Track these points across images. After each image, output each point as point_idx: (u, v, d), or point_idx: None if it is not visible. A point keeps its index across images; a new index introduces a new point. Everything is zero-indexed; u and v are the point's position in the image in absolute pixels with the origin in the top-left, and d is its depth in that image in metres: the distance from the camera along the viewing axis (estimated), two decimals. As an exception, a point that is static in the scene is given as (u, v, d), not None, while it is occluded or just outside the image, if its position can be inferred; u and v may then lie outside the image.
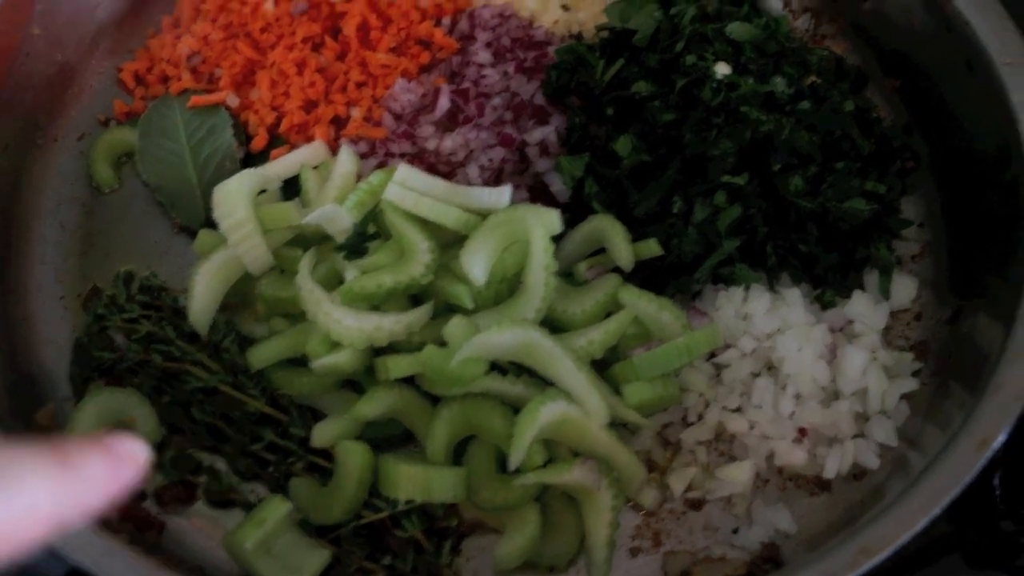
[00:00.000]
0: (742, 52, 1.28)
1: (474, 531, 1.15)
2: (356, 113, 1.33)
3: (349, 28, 1.35)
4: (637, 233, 1.23)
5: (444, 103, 1.32)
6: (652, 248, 1.21)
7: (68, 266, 1.31)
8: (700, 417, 1.19)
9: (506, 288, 1.17)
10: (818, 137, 1.26)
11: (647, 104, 1.26)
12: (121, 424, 1.15)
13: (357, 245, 1.17)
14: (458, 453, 1.16)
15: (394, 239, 1.18)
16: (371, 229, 1.20)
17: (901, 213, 1.33)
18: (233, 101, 1.35)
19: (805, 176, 1.23)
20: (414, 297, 1.19)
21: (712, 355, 1.21)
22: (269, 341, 1.18)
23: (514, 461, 1.05)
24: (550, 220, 1.15)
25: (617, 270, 1.22)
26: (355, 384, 1.19)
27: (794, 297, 1.22)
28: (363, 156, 1.32)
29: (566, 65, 1.33)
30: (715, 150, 1.22)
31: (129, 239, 1.33)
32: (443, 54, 1.38)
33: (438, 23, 1.40)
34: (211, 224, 1.23)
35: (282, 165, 1.29)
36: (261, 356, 1.17)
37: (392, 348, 1.15)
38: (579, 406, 1.10)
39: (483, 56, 1.35)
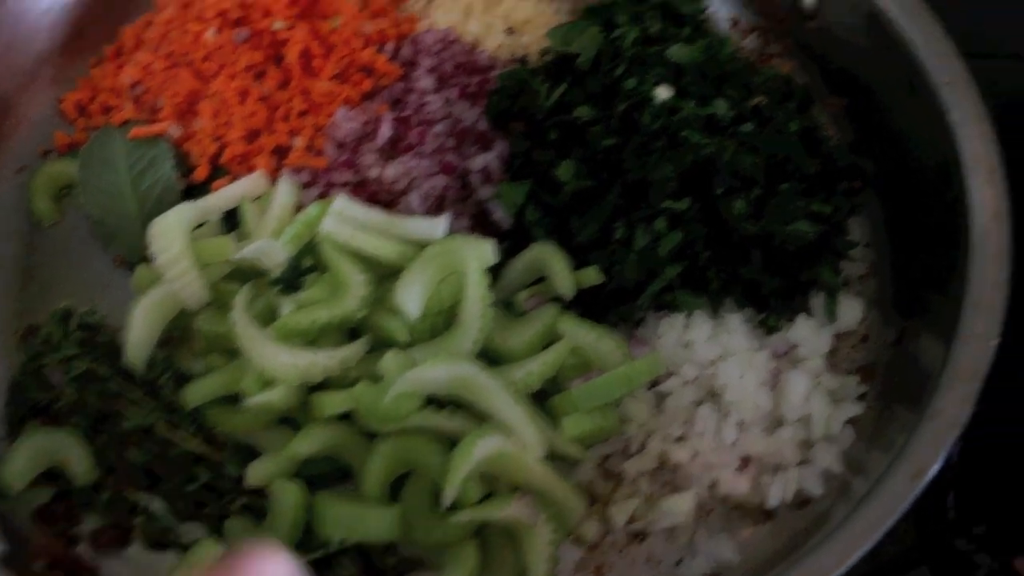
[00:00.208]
0: (683, 75, 1.27)
1: (414, 569, 1.14)
2: (298, 142, 1.32)
3: (291, 56, 1.34)
4: (579, 260, 1.22)
5: (386, 131, 1.30)
6: (592, 276, 1.20)
7: (5, 302, 1.29)
8: (642, 447, 1.18)
9: (443, 321, 1.16)
10: (762, 159, 1.25)
11: (589, 129, 1.26)
12: (55, 465, 1.14)
13: (292, 279, 1.16)
14: (400, 489, 1.15)
15: (330, 273, 1.17)
16: (308, 262, 1.19)
17: (848, 234, 1.33)
18: (175, 131, 1.33)
19: (749, 199, 1.22)
20: (353, 331, 1.18)
21: (654, 383, 1.20)
22: (204, 378, 1.16)
23: (447, 498, 1.04)
24: (484, 251, 1.14)
25: (559, 299, 1.21)
26: (293, 420, 1.18)
27: (736, 323, 1.21)
28: (305, 186, 1.31)
29: (508, 90, 1.32)
30: (656, 175, 1.21)
31: (69, 274, 1.31)
32: (386, 80, 1.37)
33: (381, 49, 1.39)
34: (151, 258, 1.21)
35: (222, 197, 1.27)
36: (196, 394, 1.16)
37: (329, 384, 1.14)
38: (516, 440, 1.08)
39: (426, 82, 1.34)
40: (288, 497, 1.09)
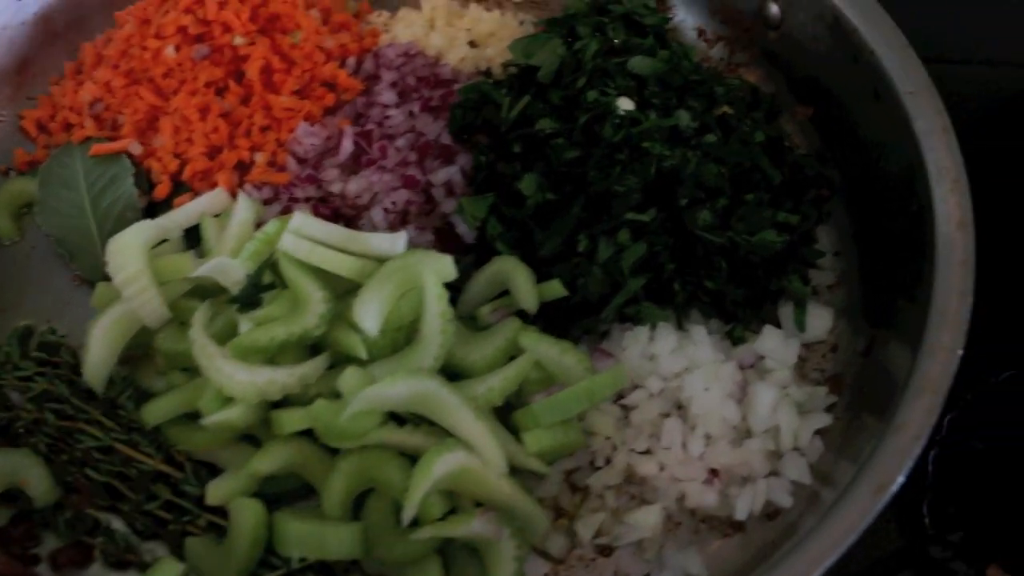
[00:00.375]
0: (646, 86, 1.27)
1: (377, 586, 1.13)
2: (260, 158, 1.31)
3: (252, 71, 1.33)
4: (543, 274, 1.21)
5: (347, 145, 1.30)
6: (556, 289, 1.19)
7: (-35, 323, 1.28)
8: (608, 461, 1.17)
9: (403, 336, 1.15)
10: (727, 169, 1.24)
11: (551, 141, 1.25)
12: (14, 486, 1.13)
13: (251, 296, 1.15)
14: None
15: (289, 289, 1.15)
16: (268, 279, 1.18)
17: (817, 243, 1.32)
18: (136, 149, 1.32)
19: (714, 209, 1.22)
20: (315, 348, 1.17)
21: (620, 396, 1.19)
22: (164, 397, 1.15)
23: (407, 515, 1.03)
24: (443, 266, 1.13)
25: (523, 313, 1.20)
26: (255, 438, 1.17)
27: (701, 335, 1.20)
28: (266, 202, 1.30)
29: (471, 103, 1.32)
30: (619, 187, 1.20)
31: (29, 292, 1.30)
32: (348, 95, 1.36)
33: (343, 64, 1.38)
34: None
35: (182, 214, 1.26)
36: (156, 412, 1.14)
37: (289, 401, 1.13)
38: (477, 456, 1.07)
39: (387, 96, 1.33)
40: (247, 516, 1.08)
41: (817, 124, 1.39)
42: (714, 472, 1.15)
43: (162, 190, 1.31)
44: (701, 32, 1.49)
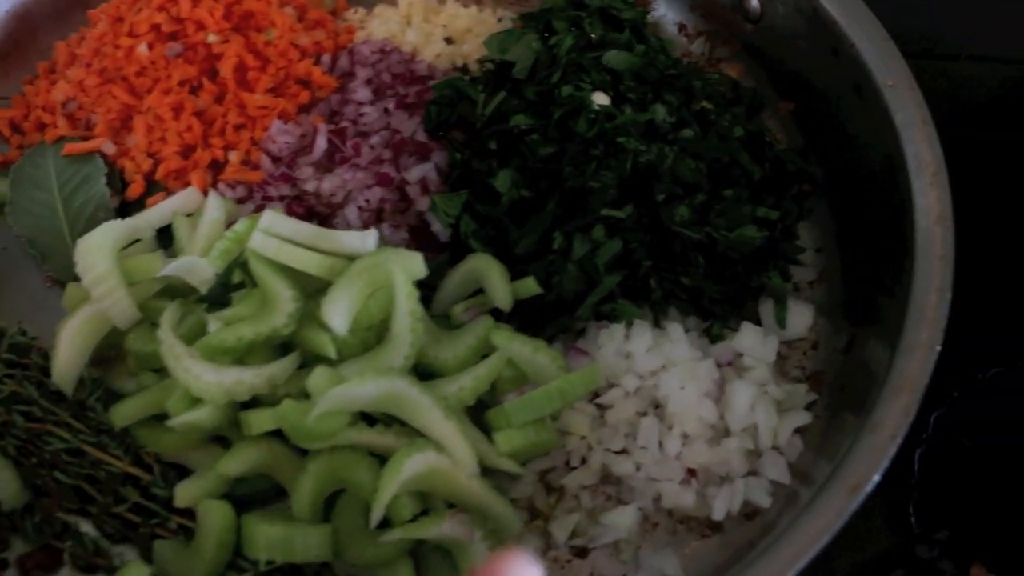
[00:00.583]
0: (621, 81, 1.25)
1: (348, 588, 1.11)
2: (234, 157, 1.30)
3: (226, 69, 1.32)
4: (519, 271, 1.19)
5: (321, 143, 1.28)
6: (530, 287, 1.17)
7: (-65, 324, 1.27)
8: (583, 461, 1.15)
9: (373, 336, 1.13)
10: (705, 165, 1.23)
11: (526, 138, 1.23)
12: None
13: (219, 296, 1.13)
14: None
15: (259, 288, 1.14)
16: (238, 278, 1.16)
17: (799, 239, 1.30)
18: (109, 148, 1.31)
19: (692, 205, 1.20)
20: (286, 347, 1.15)
21: (595, 395, 1.17)
22: (132, 398, 1.14)
23: (375, 516, 1.01)
24: (413, 264, 1.11)
25: (499, 311, 1.18)
26: (225, 439, 1.15)
27: (677, 333, 1.18)
28: (240, 201, 1.29)
29: (445, 100, 1.30)
30: (595, 183, 1.18)
31: (1, 294, 1.29)
32: (323, 93, 1.35)
33: (318, 61, 1.37)
34: (82, 278, 1.19)
35: (154, 214, 1.25)
36: (124, 413, 1.13)
37: (260, 401, 1.12)
38: (448, 456, 1.06)
39: (362, 93, 1.32)
40: (214, 518, 1.06)
41: (799, 119, 1.37)
42: (691, 472, 1.14)
43: (135, 190, 1.30)
44: (682, 27, 1.47)
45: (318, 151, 1.28)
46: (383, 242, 1.24)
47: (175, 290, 1.20)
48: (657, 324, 1.21)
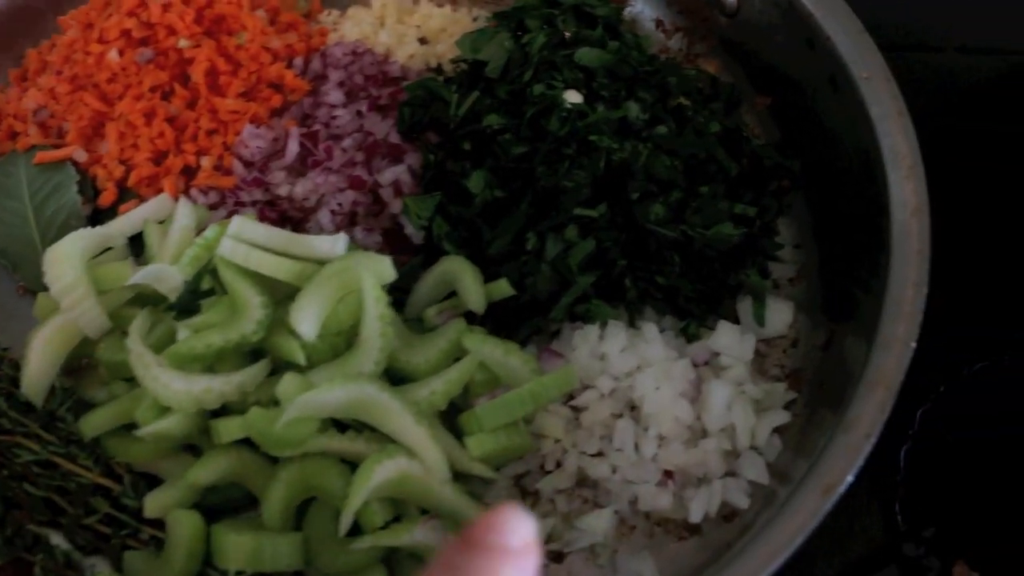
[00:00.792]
0: (594, 78, 1.24)
1: (321, 597, 1.10)
2: (206, 162, 1.29)
3: (197, 74, 1.30)
4: (493, 273, 1.18)
5: (293, 147, 1.27)
6: (503, 289, 1.16)
7: (-95, 334, 1.26)
8: (558, 464, 1.14)
9: (343, 341, 1.12)
10: (680, 162, 1.21)
11: (498, 137, 1.22)
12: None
13: (188, 303, 1.12)
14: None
15: (228, 295, 1.13)
16: (208, 285, 1.15)
17: (778, 235, 1.29)
18: (81, 156, 1.30)
19: (667, 203, 1.19)
20: (257, 354, 1.14)
21: (570, 398, 1.16)
22: (102, 408, 1.13)
23: (344, 524, 1.00)
24: (382, 268, 1.10)
25: (472, 313, 1.17)
26: (197, 447, 1.14)
27: (652, 333, 1.17)
28: (213, 207, 1.28)
29: (419, 101, 1.29)
30: (568, 182, 1.17)
31: (-28, 304, 1.28)
32: (295, 96, 1.34)
33: (290, 64, 1.36)
34: (54, 287, 1.18)
35: (125, 222, 1.24)
36: (94, 424, 1.12)
37: (231, 409, 1.10)
38: (420, 462, 1.04)
39: (334, 96, 1.31)
40: (183, 528, 1.05)
41: (776, 114, 1.36)
42: (668, 473, 1.12)
43: (107, 197, 1.29)
44: (659, 23, 1.45)
45: (290, 155, 1.27)
46: (357, 246, 1.23)
47: (147, 298, 1.19)
48: (632, 324, 1.19)
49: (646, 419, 1.13)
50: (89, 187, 1.30)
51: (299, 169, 1.28)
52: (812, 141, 1.29)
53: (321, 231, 1.24)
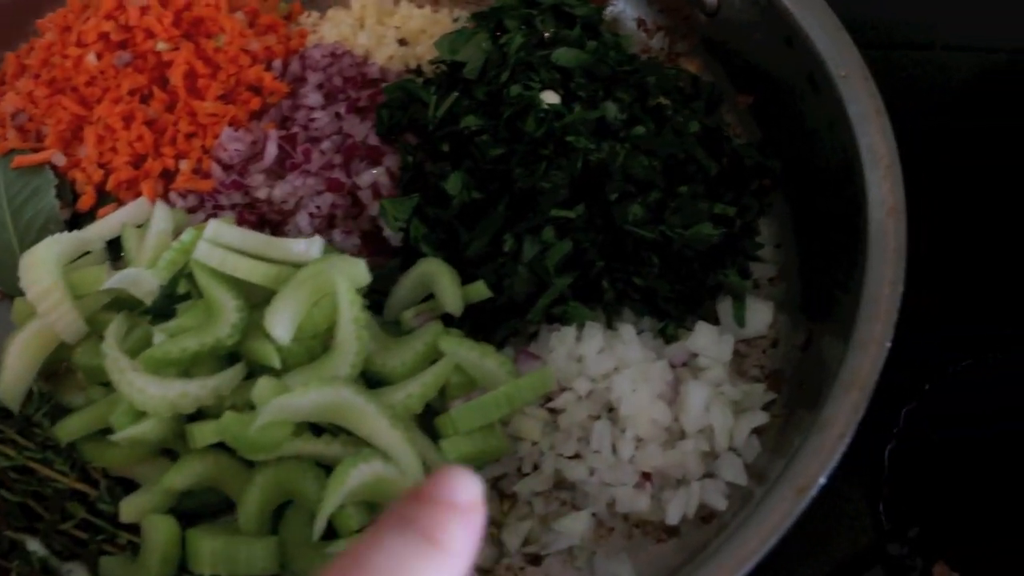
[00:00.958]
0: (572, 78, 1.23)
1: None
2: (185, 166, 1.29)
3: (176, 77, 1.30)
4: (471, 275, 1.18)
5: (272, 150, 1.27)
6: (480, 291, 1.16)
7: None
8: (536, 467, 1.14)
9: (319, 345, 1.12)
10: (659, 162, 1.21)
11: (476, 139, 1.22)
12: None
13: (164, 307, 1.12)
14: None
15: (203, 299, 1.13)
16: (184, 289, 1.15)
17: (760, 234, 1.28)
18: (59, 160, 1.30)
19: (646, 204, 1.18)
20: (234, 358, 1.14)
21: (548, 400, 1.15)
22: (78, 413, 1.13)
23: (318, 528, 1.00)
24: (356, 271, 1.10)
25: (450, 316, 1.17)
26: (174, 452, 1.14)
27: (629, 334, 1.16)
28: (191, 210, 1.27)
29: (397, 102, 1.29)
30: (545, 183, 1.17)
31: (-50, 309, 1.28)
32: (274, 99, 1.33)
33: (270, 67, 1.36)
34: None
35: (103, 226, 1.24)
36: (70, 429, 1.12)
37: (207, 414, 1.10)
38: (395, 465, 1.04)
39: (313, 98, 1.30)
40: (158, 533, 1.05)
41: (758, 113, 1.35)
42: (646, 475, 1.12)
43: (86, 201, 1.29)
44: (641, 22, 1.45)
45: (269, 158, 1.27)
46: (335, 248, 1.22)
47: (124, 302, 1.19)
48: (610, 326, 1.19)
49: (623, 421, 1.12)
50: (68, 191, 1.30)
51: (278, 172, 1.28)
52: (793, 140, 1.29)
53: (300, 234, 1.24)
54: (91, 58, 1.30)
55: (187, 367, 1.10)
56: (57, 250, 1.16)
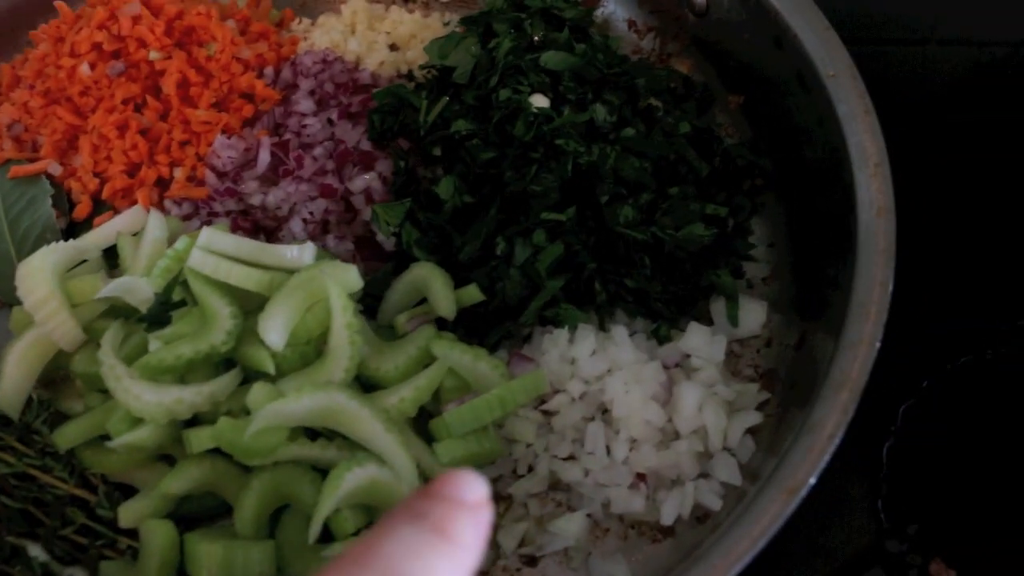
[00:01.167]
0: (561, 82, 1.24)
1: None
2: (179, 173, 1.30)
3: (169, 86, 1.31)
4: (464, 279, 1.19)
5: (264, 157, 1.28)
6: (473, 294, 1.17)
7: None
8: (530, 468, 1.15)
9: (313, 350, 1.12)
10: (649, 163, 1.21)
11: (467, 143, 1.22)
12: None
13: (159, 315, 1.13)
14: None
15: (198, 306, 1.14)
16: (179, 296, 1.16)
17: (753, 234, 1.29)
18: (55, 169, 1.31)
19: (637, 205, 1.19)
20: (229, 365, 1.15)
21: (542, 402, 1.16)
22: (76, 420, 1.14)
23: (313, 531, 1.00)
24: (348, 277, 1.10)
25: (444, 319, 1.17)
26: (172, 457, 1.15)
27: (622, 336, 1.17)
28: (186, 217, 1.28)
29: (388, 108, 1.29)
30: (536, 186, 1.17)
31: (-51, 318, 1.29)
32: (266, 106, 1.34)
33: (261, 74, 1.36)
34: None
35: (98, 235, 1.25)
36: (68, 436, 1.13)
37: (203, 419, 1.11)
38: (390, 468, 1.05)
39: (305, 105, 1.31)
40: (157, 537, 1.06)
41: (749, 113, 1.35)
42: (640, 476, 1.12)
43: (82, 210, 1.30)
44: (631, 24, 1.45)
45: (261, 165, 1.28)
46: (328, 254, 1.23)
47: (121, 310, 1.20)
48: (603, 327, 1.20)
49: (617, 422, 1.13)
50: (64, 200, 1.31)
51: (271, 178, 1.29)
52: (784, 140, 1.29)
53: (294, 239, 1.25)
54: (85, 68, 1.31)
55: (183, 374, 1.11)
56: (54, 259, 1.17)
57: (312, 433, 1.11)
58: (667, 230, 1.18)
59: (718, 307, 1.23)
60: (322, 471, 1.09)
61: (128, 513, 1.09)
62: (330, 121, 1.30)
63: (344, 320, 1.09)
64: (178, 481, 1.09)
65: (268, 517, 1.10)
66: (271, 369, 1.09)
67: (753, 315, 1.23)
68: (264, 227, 1.28)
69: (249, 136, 1.32)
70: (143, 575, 1.06)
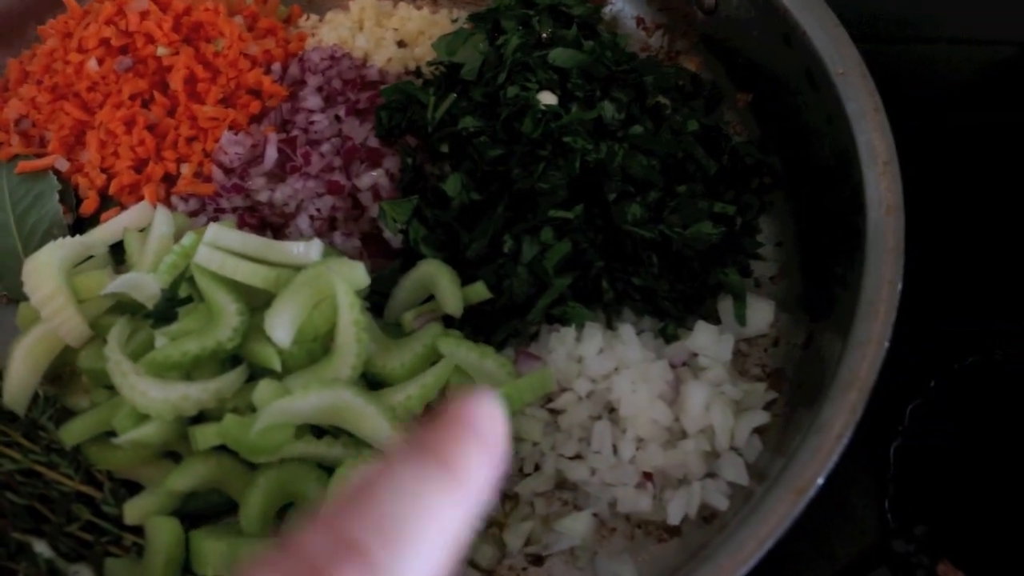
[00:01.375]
0: (569, 79, 1.23)
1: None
2: (186, 169, 1.29)
3: (176, 82, 1.31)
4: (472, 276, 1.18)
5: (272, 153, 1.28)
6: (480, 292, 1.16)
7: None
8: (537, 467, 1.14)
9: (320, 347, 1.12)
10: (657, 161, 1.21)
11: (474, 140, 1.22)
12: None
13: (166, 311, 1.13)
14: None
15: (205, 303, 1.13)
16: (185, 292, 1.16)
17: (761, 232, 1.28)
18: (63, 165, 1.31)
19: (645, 203, 1.18)
20: (236, 361, 1.15)
21: (548, 400, 1.16)
22: (82, 416, 1.14)
23: (318, 531, 1.00)
24: (355, 274, 1.10)
25: (451, 317, 1.17)
26: (178, 454, 1.15)
27: (629, 334, 1.16)
28: (193, 214, 1.28)
29: (396, 104, 1.29)
30: (543, 184, 1.17)
31: (-44, 313, 1.30)
32: (273, 102, 1.34)
33: (269, 70, 1.36)
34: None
35: (106, 230, 1.25)
36: (74, 432, 1.13)
37: (209, 416, 1.11)
38: (395, 466, 1.05)
39: (312, 101, 1.31)
40: (162, 534, 1.06)
41: (758, 111, 1.35)
42: (647, 475, 1.12)
43: (89, 205, 1.30)
44: (640, 21, 1.45)
45: (269, 161, 1.27)
46: (335, 250, 1.23)
47: (128, 306, 1.20)
48: (610, 326, 1.19)
49: (624, 421, 1.13)
50: (71, 196, 1.31)
51: (278, 175, 1.29)
52: (793, 138, 1.29)
53: (301, 236, 1.25)
54: (92, 64, 1.31)
55: (189, 370, 1.11)
56: (60, 255, 1.17)
57: (318, 430, 1.11)
58: (675, 228, 1.18)
59: (725, 306, 1.22)
60: (328, 469, 1.09)
61: (134, 510, 1.09)
62: (337, 118, 1.30)
63: (351, 317, 1.08)
64: (184, 478, 1.08)
65: (274, 515, 1.10)
66: (277, 366, 1.09)
67: (761, 314, 1.22)
68: (271, 224, 1.28)
69: (256, 132, 1.31)
70: (148, 572, 1.06)
